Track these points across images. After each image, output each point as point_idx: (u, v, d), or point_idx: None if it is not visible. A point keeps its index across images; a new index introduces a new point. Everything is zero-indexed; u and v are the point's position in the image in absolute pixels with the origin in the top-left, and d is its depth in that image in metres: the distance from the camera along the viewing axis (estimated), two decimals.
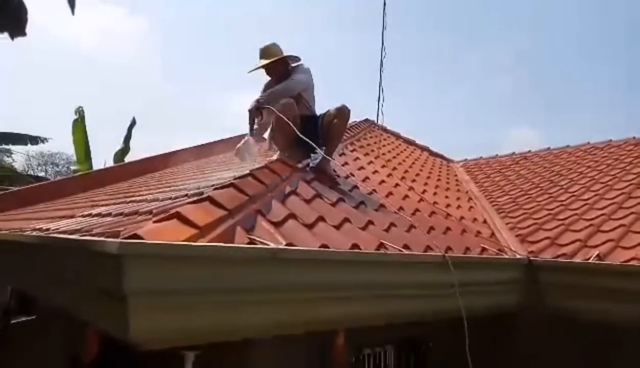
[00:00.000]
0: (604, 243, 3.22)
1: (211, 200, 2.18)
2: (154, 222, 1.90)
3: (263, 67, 3.67)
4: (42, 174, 23.15)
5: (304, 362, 2.95)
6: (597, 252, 3.06)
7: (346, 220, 2.71)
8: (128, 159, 13.10)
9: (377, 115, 5.67)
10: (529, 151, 7.47)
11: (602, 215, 3.80)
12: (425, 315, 2.79)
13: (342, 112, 3.57)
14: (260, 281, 1.87)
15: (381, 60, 4.35)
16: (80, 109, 13.05)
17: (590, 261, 2.97)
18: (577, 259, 3.09)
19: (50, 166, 26.07)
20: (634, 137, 6.38)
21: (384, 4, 4.19)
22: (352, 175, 4.00)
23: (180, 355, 2.66)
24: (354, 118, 7.01)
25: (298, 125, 3.37)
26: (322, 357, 2.92)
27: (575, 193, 4.67)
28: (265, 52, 3.67)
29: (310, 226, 2.46)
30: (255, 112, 3.50)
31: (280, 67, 3.71)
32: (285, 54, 3.69)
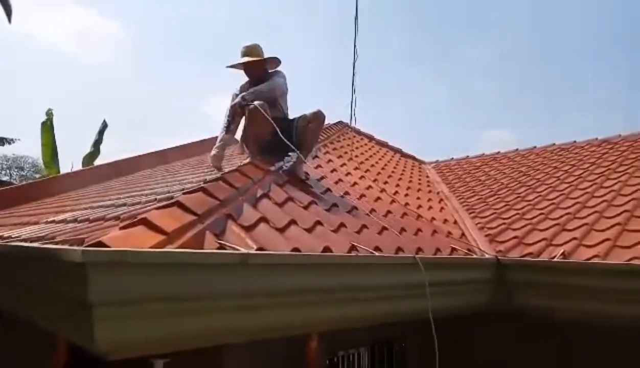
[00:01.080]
0: (568, 241, 3.31)
1: (180, 205, 2.15)
2: (120, 228, 1.86)
3: (244, 64, 3.64)
4: (6, 178, 22.34)
5: (277, 367, 2.93)
6: (562, 251, 3.15)
7: (318, 223, 2.71)
8: (99, 163, 12.79)
9: (350, 117, 5.71)
10: (498, 152, 7.64)
11: (567, 214, 3.92)
12: (398, 316, 2.82)
13: (318, 117, 3.61)
14: (231, 287, 1.85)
15: (353, 65, 4.39)
16: (50, 111, 12.69)
17: (555, 260, 3.05)
18: (543, 258, 3.18)
19: (15, 170, 25.21)
20: (596, 138, 6.61)
21: (356, 10, 4.24)
22: (325, 177, 4.02)
23: (148, 363, 2.61)
24: (328, 120, 7.04)
25: (271, 128, 3.36)
26: (295, 361, 2.91)
27: (542, 193, 4.80)
28: (248, 51, 3.66)
29: (281, 230, 2.46)
30: (239, 109, 3.48)
31: (259, 69, 3.70)
32: (267, 56, 3.68)
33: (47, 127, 12.60)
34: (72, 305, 1.59)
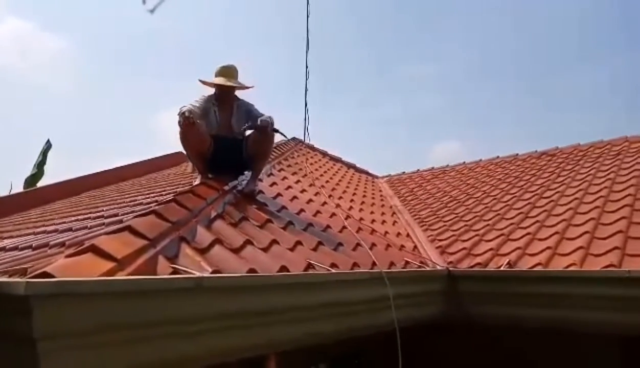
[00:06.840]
0: (513, 251, 3.48)
1: (130, 229, 2.10)
2: (66, 256, 1.79)
3: (229, 87, 3.61)
4: None
5: None
6: (507, 260, 3.31)
7: (274, 241, 2.71)
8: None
9: (304, 134, 5.78)
10: (447, 165, 7.93)
11: (511, 224, 4.13)
12: (356, 332, 2.85)
13: (264, 132, 3.54)
14: (186, 312, 1.82)
15: (305, 83, 4.47)
16: None
17: (501, 269, 3.20)
18: (490, 268, 3.32)
19: None
20: (536, 151, 7.02)
21: (307, 27, 4.32)
22: (280, 195, 4.02)
23: None
24: (282, 137, 7.06)
25: (209, 145, 3.36)
26: None
27: (488, 205, 5.02)
28: (230, 72, 3.61)
29: (237, 250, 2.44)
30: (269, 130, 3.46)
31: (231, 93, 3.68)
32: (243, 83, 3.66)
33: None
34: (16, 341, 1.50)
